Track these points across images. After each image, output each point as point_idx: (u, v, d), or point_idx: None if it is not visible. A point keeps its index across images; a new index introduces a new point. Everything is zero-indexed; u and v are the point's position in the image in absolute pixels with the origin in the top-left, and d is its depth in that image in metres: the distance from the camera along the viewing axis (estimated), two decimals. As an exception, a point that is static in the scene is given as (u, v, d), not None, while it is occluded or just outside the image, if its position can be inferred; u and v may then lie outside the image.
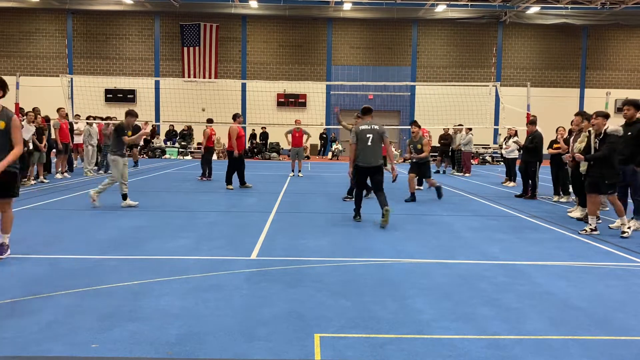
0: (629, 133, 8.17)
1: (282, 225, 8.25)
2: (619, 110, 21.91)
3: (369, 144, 8.34)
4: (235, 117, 13.61)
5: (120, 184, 9.76)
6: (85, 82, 27.12)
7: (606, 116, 7.95)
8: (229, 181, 13.51)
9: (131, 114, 10.05)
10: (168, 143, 30.25)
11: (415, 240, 7.35)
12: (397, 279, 5.31)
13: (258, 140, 30.81)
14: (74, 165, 17.60)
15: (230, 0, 30.98)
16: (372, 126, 8.49)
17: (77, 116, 18.61)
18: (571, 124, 10.61)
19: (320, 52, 32.48)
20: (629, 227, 7.86)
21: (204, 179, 15.50)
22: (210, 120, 15.93)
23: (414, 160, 11.95)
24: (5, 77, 6.15)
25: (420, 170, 11.97)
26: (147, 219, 8.60)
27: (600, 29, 32.42)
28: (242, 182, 13.57)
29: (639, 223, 8.32)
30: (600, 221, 8.78)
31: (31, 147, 12.93)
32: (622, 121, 8.52)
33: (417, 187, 15.66)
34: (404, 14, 31.52)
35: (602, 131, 7.83)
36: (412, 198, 11.51)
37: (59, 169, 15.14)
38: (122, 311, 4.23)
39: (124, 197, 9.81)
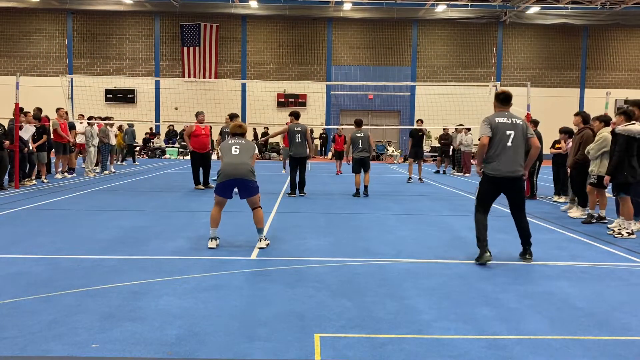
0: None
1: (282, 225, 8.25)
2: (618, 110, 21.87)
3: (509, 144, 6.11)
4: (196, 115, 13.25)
5: None
6: (85, 82, 27.05)
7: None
8: (196, 181, 13.29)
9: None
10: (168, 143, 30.26)
11: (415, 240, 7.35)
12: (397, 279, 5.31)
13: (260, 140, 30.78)
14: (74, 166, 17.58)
15: (230, 0, 30.96)
16: (514, 119, 6.25)
17: (81, 116, 18.56)
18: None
19: (320, 52, 32.47)
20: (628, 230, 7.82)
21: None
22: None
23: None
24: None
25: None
26: (147, 219, 8.60)
27: (600, 29, 32.40)
28: (205, 183, 13.35)
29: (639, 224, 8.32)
30: (594, 220, 8.79)
31: (31, 147, 12.93)
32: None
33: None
34: (404, 14, 31.49)
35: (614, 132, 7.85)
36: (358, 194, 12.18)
37: (59, 169, 15.14)
38: (122, 311, 4.22)
39: None
